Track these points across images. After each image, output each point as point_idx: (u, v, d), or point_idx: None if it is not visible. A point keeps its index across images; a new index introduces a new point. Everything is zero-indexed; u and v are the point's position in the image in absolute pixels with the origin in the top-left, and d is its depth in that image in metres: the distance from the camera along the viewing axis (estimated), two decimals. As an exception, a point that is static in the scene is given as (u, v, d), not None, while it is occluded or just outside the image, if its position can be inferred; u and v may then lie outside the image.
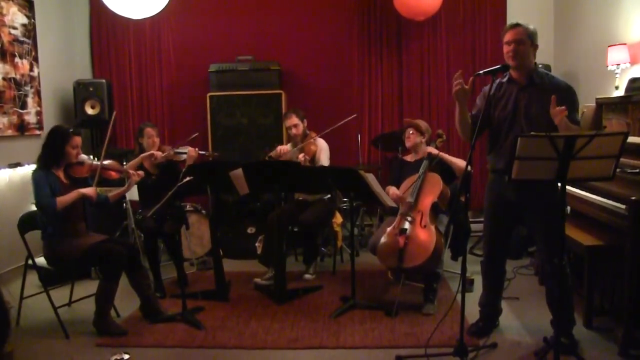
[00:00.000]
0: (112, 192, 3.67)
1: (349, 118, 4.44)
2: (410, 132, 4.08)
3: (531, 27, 2.87)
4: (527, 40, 2.84)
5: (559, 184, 2.54)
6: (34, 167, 3.41)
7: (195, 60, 5.82)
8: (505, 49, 2.89)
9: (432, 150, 3.89)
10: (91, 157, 3.70)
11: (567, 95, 2.81)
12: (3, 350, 2.84)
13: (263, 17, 5.80)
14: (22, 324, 3.56)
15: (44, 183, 3.25)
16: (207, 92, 5.50)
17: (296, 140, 4.51)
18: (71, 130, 3.44)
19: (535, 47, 2.89)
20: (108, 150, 5.42)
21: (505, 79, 2.99)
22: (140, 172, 3.68)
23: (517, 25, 2.86)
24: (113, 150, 5.54)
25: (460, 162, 3.85)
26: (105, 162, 3.56)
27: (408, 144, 4.10)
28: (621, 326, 2.89)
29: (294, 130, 4.45)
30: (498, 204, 3.07)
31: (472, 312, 3.34)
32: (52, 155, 3.38)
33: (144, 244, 4.23)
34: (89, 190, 3.38)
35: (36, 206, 3.29)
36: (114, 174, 3.61)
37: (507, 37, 2.87)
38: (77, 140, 3.43)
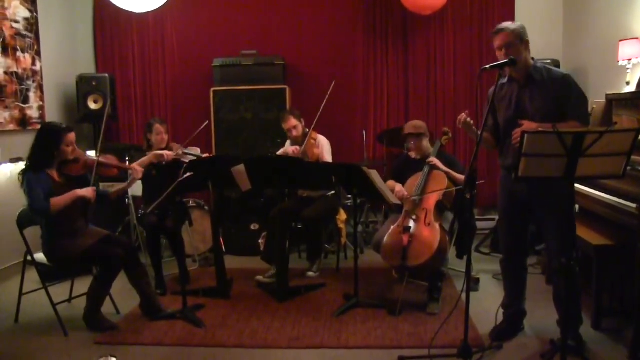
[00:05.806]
0: (114, 188, 3.61)
1: (332, 86, 4.24)
2: (412, 143, 4.02)
3: (516, 25, 2.85)
4: (515, 41, 2.81)
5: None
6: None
7: (199, 55, 5.75)
8: (497, 54, 2.88)
9: (433, 160, 3.83)
10: (91, 152, 3.61)
11: (561, 88, 2.78)
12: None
13: (267, 11, 5.73)
14: (20, 321, 3.53)
15: (36, 185, 3.10)
16: (211, 87, 5.43)
17: (297, 142, 4.44)
18: (64, 126, 3.25)
19: (526, 43, 2.85)
20: (112, 146, 5.43)
21: (506, 80, 2.97)
22: (142, 168, 3.59)
23: (501, 30, 2.84)
24: (117, 145, 5.51)
25: (459, 177, 3.78)
26: (103, 159, 3.40)
27: (413, 155, 4.05)
28: (631, 328, 2.82)
29: (294, 133, 4.38)
30: (510, 200, 3.05)
31: (478, 312, 3.28)
32: (45, 156, 3.20)
33: (146, 240, 4.19)
34: (86, 191, 3.21)
35: (30, 210, 3.21)
36: (114, 171, 3.51)
37: (496, 43, 2.87)
38: (72, 136, 3.25)
